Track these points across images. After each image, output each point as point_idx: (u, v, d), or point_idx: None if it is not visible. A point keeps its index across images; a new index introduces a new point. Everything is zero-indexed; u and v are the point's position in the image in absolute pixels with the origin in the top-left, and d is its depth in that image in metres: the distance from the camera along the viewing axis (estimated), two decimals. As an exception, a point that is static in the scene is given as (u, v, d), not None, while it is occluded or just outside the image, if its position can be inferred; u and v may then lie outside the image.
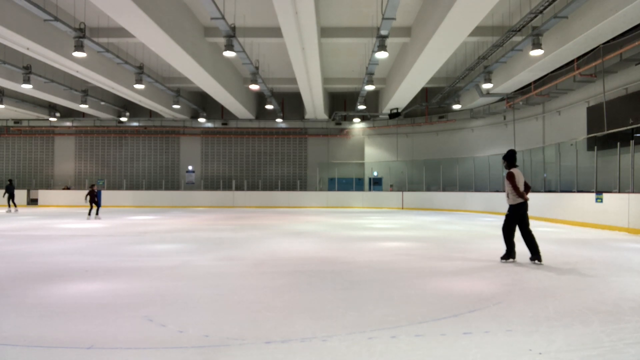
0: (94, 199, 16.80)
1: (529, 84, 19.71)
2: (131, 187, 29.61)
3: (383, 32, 12.82)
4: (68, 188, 29.16)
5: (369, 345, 3.32)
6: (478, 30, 15.61)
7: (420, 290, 5.15)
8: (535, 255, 6.82)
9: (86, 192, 18.13)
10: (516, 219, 6.90)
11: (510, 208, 6.96)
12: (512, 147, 22.28)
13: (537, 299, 4.69)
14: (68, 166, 30.41)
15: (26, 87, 19.64)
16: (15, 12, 13.44)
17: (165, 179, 30.02)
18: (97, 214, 17.12)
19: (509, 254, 7.02)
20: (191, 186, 29.79)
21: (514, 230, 6.97)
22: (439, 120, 27.02)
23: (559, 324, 3.83)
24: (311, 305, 4.47)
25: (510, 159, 7.05)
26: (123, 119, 28.81)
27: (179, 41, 14.44)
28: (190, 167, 30.09)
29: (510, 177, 6.85)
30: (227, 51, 13.83)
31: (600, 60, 14.95)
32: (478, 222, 15.98)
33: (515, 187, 6.77)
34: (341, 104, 28.90)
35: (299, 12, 12.40)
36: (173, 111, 27.19)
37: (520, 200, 6.83)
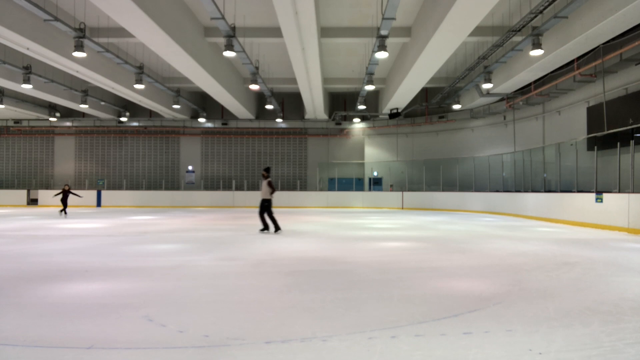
0: (65, 199, 18.22)
1: (529, 84, 19.71)
2: (131, 187, 29.62)
3: (383, 32, 12.82)
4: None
5: (369, 345, 3.32)
6: (478, 30, 15.62)
7: (420, 290, 5.15)
8: (277, 229, 11.36)
9: (59, 191, 18.70)
10: (266, 207, 11.24)
11: (264, 200, 11.27)
12: (511, 147, 22.37)
13: (537, 299, 4.69)
14: (68, 166, 30.41)
15: (26, 87, 19.64)
16: (15, 12, 13.45)
17: (165, 179, 30.02)
18: (64, 212, 18.18)
19: (266, 227, 11.34)
20: (191, 186, 29.79)
21: (264, 213, 11.31)
22: (439, 120, 27.02)
23: (559, 324, 3.83)
24: (311, 305, 4.47)
25: (267, 171, 11.63)
26: (123, 119, 28.81)
27: (179, 41, 14.44)
28: (190, 167, 30.09)
29: (271, 184, 11.36)
30: (227, 51, 13.83)
31: (600, 60, 14.96)
32: (478, 222, 15.98)
33: (274, 190, 11.38)
34: (341, 104, 28.90)
35: (299, 12, 12.40)
36: (173, 111, 27.19)
37: (269, 197, 11.26)
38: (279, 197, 27.22)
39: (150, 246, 8.90)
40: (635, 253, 8.10)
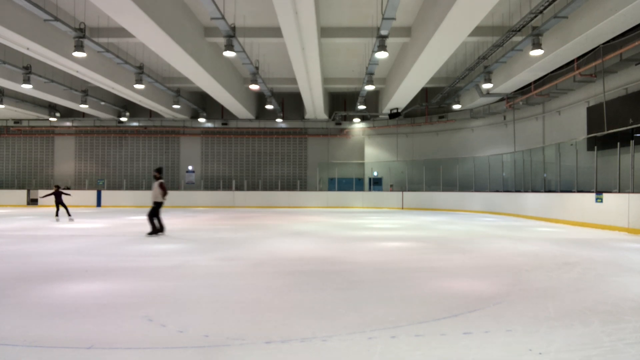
0: (60, 200, 15.64)
1: (529, 84, 19.71)
2: (131, 187, 29.61)
3: (383, 32, 12.82)
4: (68, 188, 29.14)
5: (369, 345, 3.32)
6: (478, 30, 15.61)
7: (420, 290, 5.15)
8: (162, 230, 10.76)
9: (50, 192, 16.10)
10: (157, 209, 10.62)
11: (156, 203, 10.66)
12: (511, 147, 22.36)
13: (537, 299, 4.69)
14: (68, 166, 30.41)
15: (26, 87, 19.64)
16: (15, 12, 13.44)
17: (165, 179, 29.94)
18: (68, 214, 15.94)
19: (156, 230, 10.59)
20: (191, 186, 29.79)
21: (154, 216, 10.59)
22: (439, 120, 27.02)
23: (559, 324, 3.83)
24: (311, 305, 4.47)
25: (159, 172, 10.98)
26: (123, 119, 28.81)
27: (179, 41, 14.44)
28: (190, 167, 30.09)
29: (163, 185, 10.75)
30: (227, 51, 13.83)
31: (600, 60, 14.95)
32: (478, 222, 15.98)
33: (166, 192, 10.77)
34: (341, 104, 28.90)
35: (299, 12, 12.39)
36: (173, 111, 27.19)
37: (161, 199, 10.66)
38: (279, 197, 27.28)
39: (150, 246, 8.90)
40: (635, 253, 8.10)
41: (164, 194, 10.73)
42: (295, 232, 11.81)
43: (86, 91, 23.44)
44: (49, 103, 28.01)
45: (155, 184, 10.78)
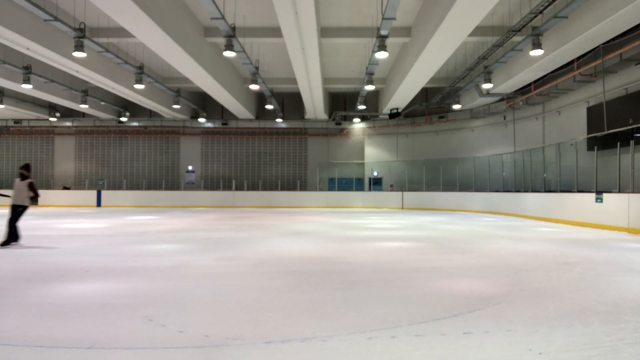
0: None
1: (529, 84, 19.71)
2: (131, 187, 29.61)
3: (383, 32, 12.82)
4: (68, 188, 29.15)
5: (369, 345, 3.32)
6: (478, 30, 15.62)
7: (420, 290, 5.15)
8: (17, 239, 8.76)
9: None
10: (22, 214, 8.79)
11: (21, 206, 8.81)
12: (511, 147, 22.36)
13: (537, 299, 4.69)
14: (68, 166, 30.41)
15: (26, 87, 19.65)
16: (15, 12, 13.44)
17: (165, 179, 30.02)
18: None
19: (15, 238, 8.72)
20: (191, 186, 29.79)
21: (16, 222, 8.75)
22: (439, 120, 27.02)
23: (559, 324, 3.83)
24: (311, 305, 4.47)
25: (27, 169, 9.14)
26: (123, 119, 28.81)
27: (179, 41, 14.44)
28: (190, 167, 30.09)
29: (33, 186, 8.93)
30: (227, 51, 13.83)
31: (600, 60, 14.96)
32: (478, 222, 15.98)
33: (37, 194, 8.94)
34: (341, 104, 28.90)
35: (299, 12, 12.40)
36: (173, 111, 27.19)
37: (27, 203, 8.87)
38: (279, 197, 27.26)
39: (150, 246, 8.90)
40: (635, 253, 8.10)
41: (35, 196, 8.93)
42: (295, 232, 11.81)
43: (86, 91, 23.45)
44: (49, 103, 28.00)
45: (22, 184, 8.89)
